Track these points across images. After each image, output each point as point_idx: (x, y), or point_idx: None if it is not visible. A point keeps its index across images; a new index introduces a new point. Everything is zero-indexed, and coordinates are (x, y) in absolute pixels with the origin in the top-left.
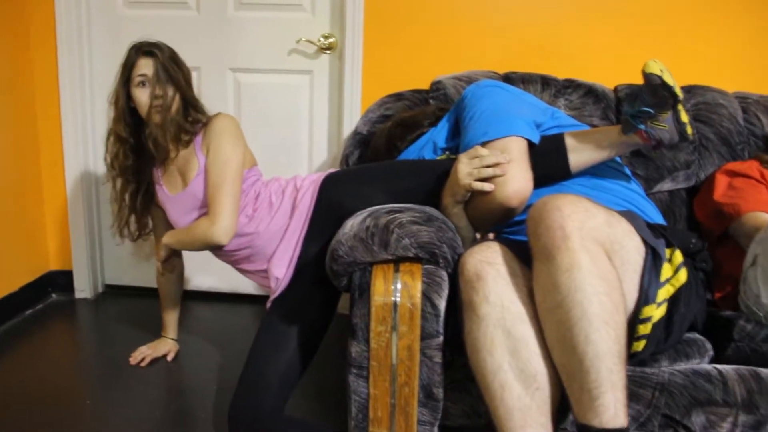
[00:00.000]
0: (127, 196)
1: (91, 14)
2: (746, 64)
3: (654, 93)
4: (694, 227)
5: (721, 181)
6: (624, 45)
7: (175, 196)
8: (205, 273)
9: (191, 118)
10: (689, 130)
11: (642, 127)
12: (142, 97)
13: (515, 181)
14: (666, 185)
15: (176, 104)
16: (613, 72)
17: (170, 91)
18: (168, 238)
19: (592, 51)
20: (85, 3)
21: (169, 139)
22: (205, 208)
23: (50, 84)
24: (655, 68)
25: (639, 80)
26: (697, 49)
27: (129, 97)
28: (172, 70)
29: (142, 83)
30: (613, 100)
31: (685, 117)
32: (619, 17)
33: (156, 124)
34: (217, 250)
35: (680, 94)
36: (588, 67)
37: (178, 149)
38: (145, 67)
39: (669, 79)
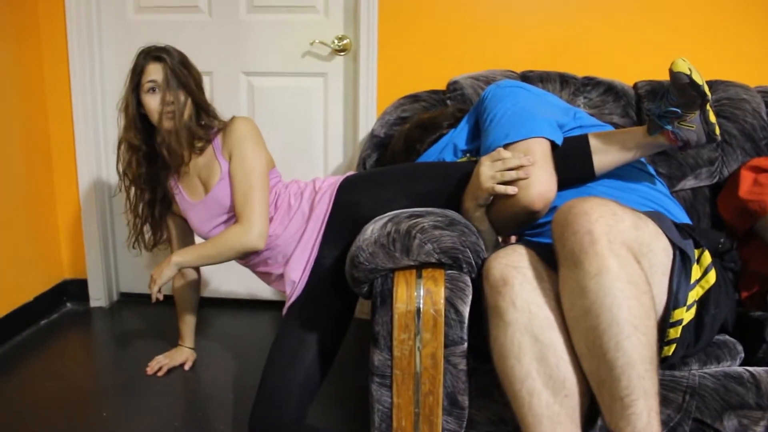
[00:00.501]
0: (141, 206)
1: (102, 20)
2: None
3: (682, 92)
4: (718, 225)
5: (747, 178)
6: (643, 41)
7: (196, 203)
8: (222, 279)
9: (204, 123)
10: (717, 130)
11: (669, 127)
12: (153, 103)
13: (540, 183)
14: (689, 183)
15: (188, 110)
16: (632, 68)
17: (181, 97)
18: (181, 257)
19: (610, 47)
20: (96, 9)
21: (183, 145)
22: (229, 213)
23: (62, 92)
24: (683, 67)
25: (659, 76)
26: (718, 43)
27: (139, 104)
28: (182, 74)
29: (152, 89)
30: (634, 97)
31: (713, 117)
32: (637, 13)
33: (168, 131)
34: (248, 256)
35: (709, 93)
36: (607, 64)
37: (191, 156)
38: (155, 72)
39: (698, 78)
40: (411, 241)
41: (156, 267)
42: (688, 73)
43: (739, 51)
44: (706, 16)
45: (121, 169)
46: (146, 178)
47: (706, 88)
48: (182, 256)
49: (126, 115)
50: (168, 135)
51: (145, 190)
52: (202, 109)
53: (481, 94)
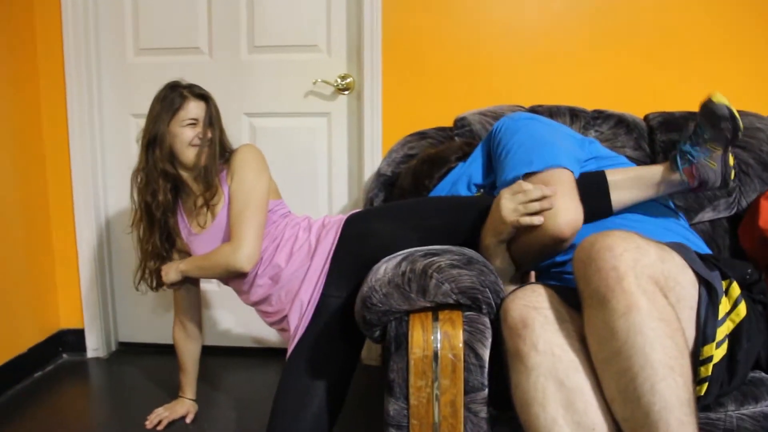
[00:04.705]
0: (153, 240)
1: (101, 63)
2: None
3: (715, 125)
4: (738, 257)
5: (766, 207)
6: (652, 73)
7: (200, 234)
8: (225, 327)
9: (224, 159)
10: (732, 175)
11: (695, 160)
12: (189, 135)
13: (567, 211)
14: (707, 215)
15: (217, 147)
16: (640, 100)
17: (216, 135)
18: (185, 265)
19: (618, 80)
20: (95, 52)
21: (211, 179)
22: None
23: (60, 137)
24: (723, 99)
25: (668, 107)
26: (727, 75)
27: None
28: (218, 115)
29: (192, 124)
30: (645, 129)
31: (732, 161)
32: (645, 45)
33: (205, 166)
34: (238, 279)
35: (742, 128)
36: (615, 97)
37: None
38: (197, 109)
39: (736, 112)
40: (427, 281)
41: (164, 266)
42: (728, 105)
43: (749, 81)
44: (713, 47)
45: (141, 199)
46: (170, 209)
47: (741, 123)
48: (185, 264)
49: (161, 147)
50: (204, 170)
51: (160, 222)
52: (224, 146)
53: (492, 127)
